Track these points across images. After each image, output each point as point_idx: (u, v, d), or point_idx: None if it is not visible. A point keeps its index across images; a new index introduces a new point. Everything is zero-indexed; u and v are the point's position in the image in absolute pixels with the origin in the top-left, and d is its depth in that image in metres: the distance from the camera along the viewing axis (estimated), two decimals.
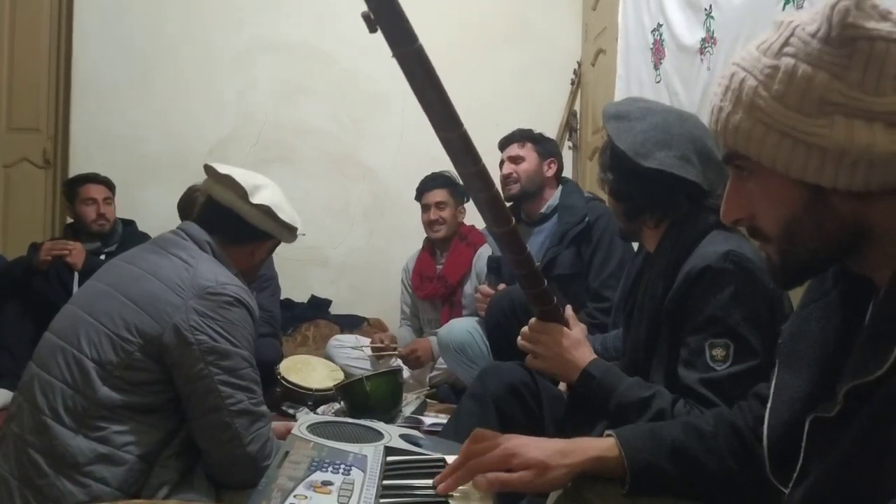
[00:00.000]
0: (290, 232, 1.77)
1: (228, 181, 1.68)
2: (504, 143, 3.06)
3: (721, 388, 1.27)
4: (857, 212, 0.75)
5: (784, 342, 0.92)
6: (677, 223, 1.47)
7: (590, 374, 1.40)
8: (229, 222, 1.69)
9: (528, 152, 2.97)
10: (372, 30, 0.96)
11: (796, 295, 0.98)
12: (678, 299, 1.37)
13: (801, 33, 0.75)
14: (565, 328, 1.45)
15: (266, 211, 1.68)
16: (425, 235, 3.53)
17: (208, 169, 1.73)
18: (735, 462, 1.01)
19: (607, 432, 1.05)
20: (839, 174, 0.73)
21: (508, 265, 1.46)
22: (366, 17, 0.95)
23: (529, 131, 3.08)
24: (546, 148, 3.02)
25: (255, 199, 1.66)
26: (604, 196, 3.10)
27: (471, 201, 3.25)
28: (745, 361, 1.28)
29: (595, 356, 1.44)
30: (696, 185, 1.42)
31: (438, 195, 3.40)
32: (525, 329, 1.50)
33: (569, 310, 1.50)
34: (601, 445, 1.01)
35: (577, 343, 1.44)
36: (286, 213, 1.72)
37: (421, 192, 3.46)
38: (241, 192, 1.66)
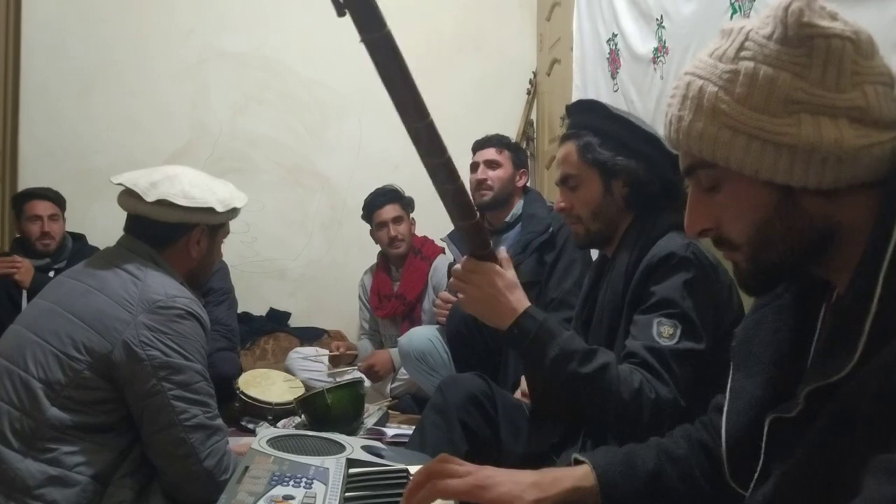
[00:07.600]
0: (210, 214, 1.68)
1: (125, 189, 1.65)
2: (481, 145, 2.94)
3: (663, 358, 1.32)
4: (826, 211, 0.76)
5: (737, 345, 0.93)
6: (636, 224, 1.53)
7: (532, 316, 1.33)
8: (144, 227, 1.66)
9: (504, 159, 2.89)
10: (340, 13, 0.90)
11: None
12: (641, 287, 1.42)
13: (756, 37, 0.76)
14: (500, 268, 1.35)
15: (168, 204, 1.62)
16: (380, 250, 3.48)
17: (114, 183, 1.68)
18: (708, 483, 1.01)
19: (576, 456, 1.03)
20: (809, 172, 0.73)
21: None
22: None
23: (507, 139, 3.00)
24: (520, 158, 2.97)
25: (151, 198, 1.61)
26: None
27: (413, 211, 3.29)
28: (690, 342, 1.33)
29: (530, 303, 1.37)
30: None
31: (392, 210, 3.31)
32: (457, 266, 1.39)
33: (502, 251, 1.39)
34: (576, 475, 0.98)
35: (512, 286, 1.35)
36: (194, 199, 1.65)
37: (372, 211, 3.34)
38: (137, 195, 1.62)
